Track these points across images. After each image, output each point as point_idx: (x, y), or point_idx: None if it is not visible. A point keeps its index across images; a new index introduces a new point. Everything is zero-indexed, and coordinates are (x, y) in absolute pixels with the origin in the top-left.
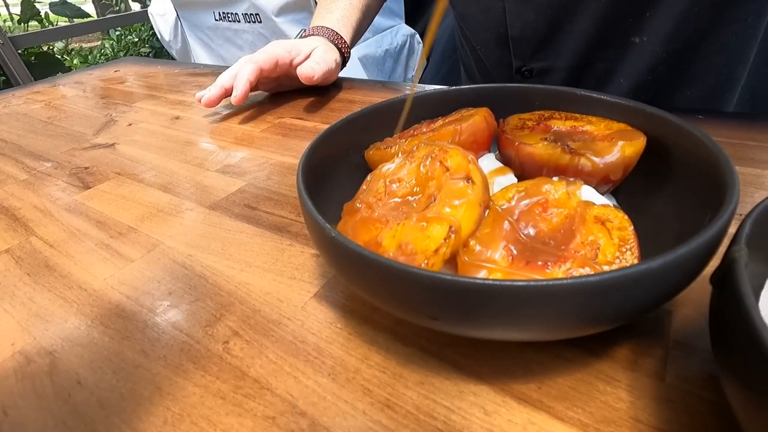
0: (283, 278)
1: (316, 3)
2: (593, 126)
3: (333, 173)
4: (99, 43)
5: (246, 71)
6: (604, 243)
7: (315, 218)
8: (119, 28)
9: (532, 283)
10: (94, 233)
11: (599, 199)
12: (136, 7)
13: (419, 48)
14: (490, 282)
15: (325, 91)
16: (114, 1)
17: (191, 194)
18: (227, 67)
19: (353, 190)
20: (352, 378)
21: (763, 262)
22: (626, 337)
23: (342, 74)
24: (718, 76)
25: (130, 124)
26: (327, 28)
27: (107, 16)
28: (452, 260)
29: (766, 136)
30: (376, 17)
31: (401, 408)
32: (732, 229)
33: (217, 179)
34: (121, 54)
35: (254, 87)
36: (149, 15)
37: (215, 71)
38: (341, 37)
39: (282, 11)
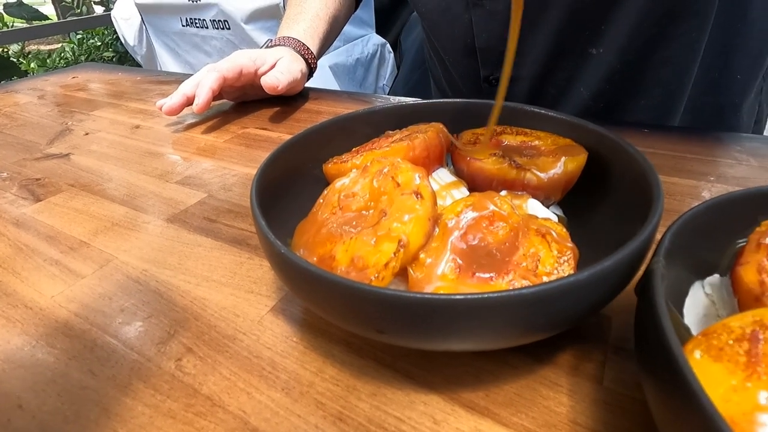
0: (241, 292)
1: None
2: (541, 141)
3: (293, 186)
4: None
5: (209, 80)
6: (544, 255)
7: (266, 234)
8: (81, 32)
9: (469, 296)
10: (43, 248)
11: (544, 213)
12: (99, 10)
13: (390, 57)
14: (429, 296)
15: (290, 101)
16: (75, 3)
17: (149, 207)
18: (193, 75)
19: (313, 203)
20: (306, 392)
21: (688, 269)
22: (570, 343)
23: (312, 83)
24: (667, 86)
25: (87, 134)
26: (293, 38)
27: (68, 19)
28: (403, 273)
29: (703, 149)
30: (347, 26)
31: (353, 420)
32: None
33: (177, 191)
34: (83, 58)
35: (218, 96)
36: (112, 19)
37: (179, 79)
38: (307, 47)
39: (251, 18)
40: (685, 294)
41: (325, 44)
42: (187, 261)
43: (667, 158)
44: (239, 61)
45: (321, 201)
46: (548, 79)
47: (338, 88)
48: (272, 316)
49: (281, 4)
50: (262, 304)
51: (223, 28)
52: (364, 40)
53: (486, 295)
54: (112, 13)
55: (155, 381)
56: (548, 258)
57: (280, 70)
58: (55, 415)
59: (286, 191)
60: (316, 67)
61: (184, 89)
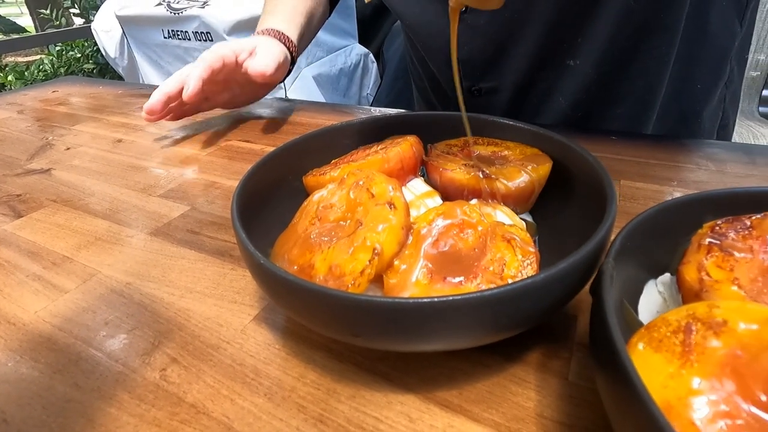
0: (224, 302)
1: None
2: (510, 151)
3: (274, 198)
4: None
5: (197, 70)
6: (510, 259)
7: (246, 245)
8: (60, 44)
9: (435, 299)
10: (25, 264)
11: (512, 219)
12: (78, 21)
13: (373, 67)
14: (398, 300)
15: (273, 112)
16: (54, 15)
17: (132, 220)
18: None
19: (293, 214)
20: (288, 396)
21: (642, 269)
22: (538, 342)
23: (296, 94)
24: (640, 96)
25: (68, 148)
26: (272, 29)
27: (47, 32)
28: (380, 279)
29: (666, 155)
30: (330, 37)
31: (333, 422)
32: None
33: (160, 204)
34: (62, 70)
35: (207, 104)
36: (93, 31)
37: None
38: (287, 36)
39: (234, 30)
40: (641, 292)
41: (304, 37)
42: (171, 273)
43: (633, 164)
44: (219, 51)
45: (300, 212)
46: (529, 90)
47: (322, 98)
48: (255, 325)
49: None
50: (245, 314)
51: (205, 40)
52: (347, 51)
53: (451, 298)
54: (93, 25)
55: (140, 391)
56: (513, 262)
57: (263, 55)
58: (40, 428)
59: (268, 203)
60: (296, 57)
61: (166, 88)
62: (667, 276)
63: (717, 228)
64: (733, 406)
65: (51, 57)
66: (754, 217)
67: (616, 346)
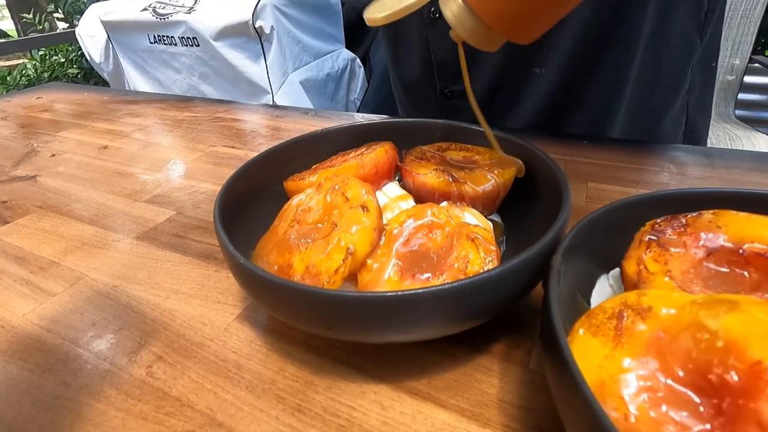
0: (208, 303)
1: (255, 28)
2: (480, 156)
3: (256, 202)
4: (20, 62)
5: None
6: (473, 256)
7: (226, 246)
8: (43, 48)
9: (399, 293)
10: (12, 269)
11: (478, 220)
12: (62, 26)
13: (360, 71)
14: (366, 294)
15: (257, 119)
16: (37, 20)
17: (118, 225)
18: (162, 93)
19: (275, 217)
20: (268, 389)
21: (595, 264)
22: (503, 334)
23: (284, 99)
24: (601, 103)
25: (53, 155)
26: None
27: (30, 36)
28: (354, 277)
29: (633, 159)
30: (317, 42)
31: (310, 411)
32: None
33: (146, 210)
34: (46, 75)
35: None
36: (77, 36)
37: (148, 99)
38: None
39: (220, 35)
40: (594, 285)
41: None
42: (157, 276)
43: (601, 167)
44: None
45: (280, 216)
46: (498, 94)
47: (309, 103)
48: (238, 323)
49: (250, 21)
50: (228, 313)
51: (192, 45)
52: (334, 56)
53: (413, 291)
54: (77, 30)
55: (127, 387)
56: (476, 259)
57: None
58: (31, 423)
59: (251, 207)
60: None
61: None
62: (617, 270)
63: (657, 226)
64: (655, 381)
65: (34, 62)
66: (689, 216)
67: (555, 331)
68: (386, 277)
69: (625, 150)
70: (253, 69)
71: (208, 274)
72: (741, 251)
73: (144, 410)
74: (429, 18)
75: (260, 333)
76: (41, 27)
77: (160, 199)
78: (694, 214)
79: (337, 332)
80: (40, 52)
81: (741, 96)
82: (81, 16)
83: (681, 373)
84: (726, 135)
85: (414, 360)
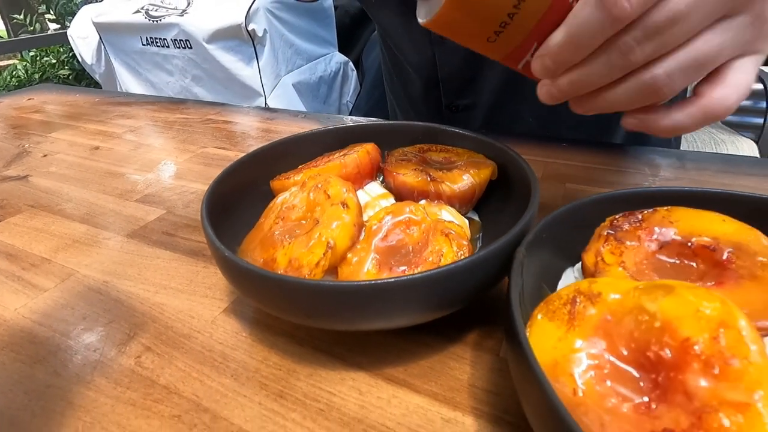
0: (196, 297)
1: (248, 31)
2: (459, 157)
3: (244, 200)
4: (10, 63)
5: None
6: (447, 250)
7: (212, 239)
8: (34, 49)
9: (371, 282)
10: (4, 266)
11: (455, 217)
12: (53, 27)
13: (352, 74)
14: (340, 283)
15: (249, 121)
16: (28, 21)
17: (109, 224)
18: (153, 95)
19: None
20: (252, 377)
21: (561, 258)
22: (476, 324)
23: (276, 102)
24: (600, 117)
25: (45, 155)
26: None
27: (21, 37)
28: (335, 271)
29: (610, 161)
30: (310, 45)
31: (292, 396)
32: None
33: (137, 209)
34: (36, 76)
35: None
36: (69, 37)
37: (139, 100)
38: None
39: (213, 38)
40: (560, 277)
41: None
42: (146, 272)
43: (580, 169)
44: None
45: (266, 213)
46: (501, 108)
47: (302, 106)
48: (225, 316)
49: (243, 24)
50: (215, 306)
51: (184, 48)
52: (327, 59)
53: (384, 281)
54: (69, 31)
55: (116, 376)
56: (450, 253)
57: None
58: (23, 411)
59: (239, 206)
60: None
61: None
62: (581, 264)
63: (615, 221)
64: (602, 359)
65: (25, 63)
66: (645, 212)
67: (513, 316)
68: (365, 270)
69: (603, 152)
70: (246, 72)
71: (197, 270)
72: (689, 244)
73: (132, 397)
74: (437, 37)
75: (246, 325)
76: (32, 28)
77: (151, 199)
78: (650, 211)
79: (317, 320)
80: (31, 54)
81: None
82: (73, 17)
83: (625, 352)
84: (711, 139)
85: (391, 349)
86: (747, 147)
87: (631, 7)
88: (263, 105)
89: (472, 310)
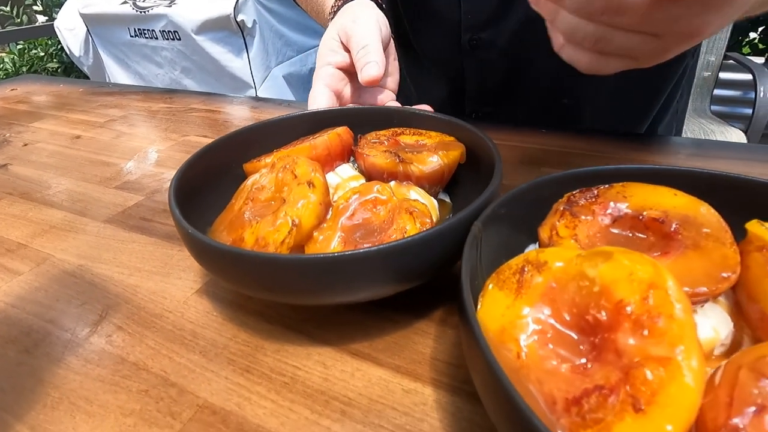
0: (170, 279)
1: (237, 22)
2: (430, 139)
3: (219, 185)
4: None
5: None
6: (410, 228)
7: (178, 218)
8: (22, 42)
9: (327, 255)
10: None
11: (423, 197)
12: (42, 19)
13: None
14: (297, 257)
15: (234, 110)
16: (15, 13)
17: (87, 210)
18: (139, 86)
19: None
20: (220, 353)
21: (523, 235)
22: (443, 300)
23: (266, 93)
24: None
25: (25, 144)
26: None
27: (8, 29)
28: (302, 249)
29: (586, 146)
30: (300, 36)
31: (258, 371)
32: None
33: (116, 195)
34: (24, 69)
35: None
36: (56, 29)
37: (123, 90)
38: None
39: (202, 29)
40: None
41: None
42: (122, 255)
43: (556, 154)
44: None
45: (237, 195)
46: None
47: (293, 97)
48: (197, 297)
49: (232, 15)
50: (188, 288)
51: (173, 39)
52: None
53: (338, 254)
54: (56, 23)
55: (87, 354)
56: (413, 230)
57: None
58: None
59: (213, 189)
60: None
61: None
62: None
63: (572, 197)
64: (546, 324)
65: (12, 55)
66: (601, 188)
67: (462, 287)
68: (331, 248)
69: (580, 138)
70: (236, 63)
71: (172, 253)
72: (641, 217)
73: (102, 374)
74: (466, 47)
75: (217, 305)
76: (19, 20)
77: (130, 186)
78: (605, 186)
79: (277, 294)
80: (19, 46)
81: (716, 92)
82: (60, 9)
83: (567, 317)
84: (701, 129)
85: (359, 326)
86: (736, 137)
87: None
88: (253, 96)
89: (440, 287)
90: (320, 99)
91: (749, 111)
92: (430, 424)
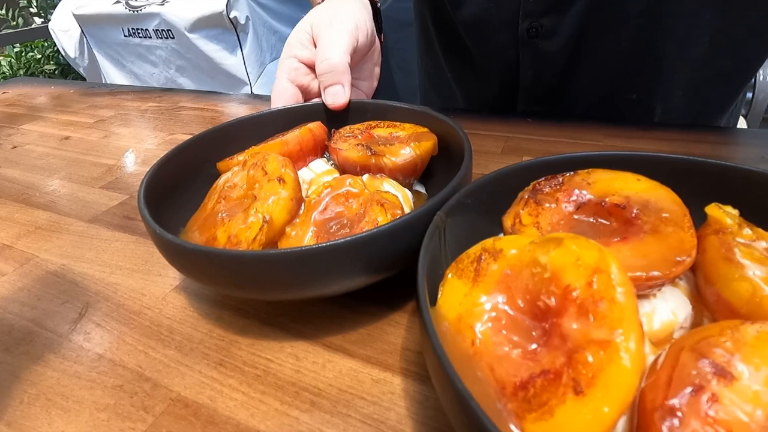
0: (150, 276)
1: (230, 19)
2: (404, 131)
3: (192, 185)
4: None
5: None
6: (381, 219)
7: (147, 219)
8: (18, 44)
9: (293, 249)
10: None
11: (396, 189)
12: (38, 21)
13: None
14: (265, 252)
15: (220, 106)
16: (11, 15)
17: (72, 210)
18: (128, 85)
19: None
20: (195, 348)
21: (492, 224)
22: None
23: (262, 89)
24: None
25: (14, 147)
26: None
27: (2, 32)
28: (275, 245)
29: (571, 134)
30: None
31: (231, 364)
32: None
33: (100, 195)
34: (21, 72)
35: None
36: (51, 31)
37: (113, 90)
38: None
39: (195, 27)
40: None
41: None
42: (104, 254)
43: (540, 143)
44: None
45: (210, 194)
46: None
47: None
48: (175, 293)
49: (224, 12)
50: (167, 285)
51: (167, 38)
52: None
53: (307, 247)
54: (50, 25)
55: (65, 352)
56: (384, 222)
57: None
58: None
59: (187, 189)
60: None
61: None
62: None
63: (537, 185)
64: (500, 311)
65: (9, 58)
66: (566, 175)
67: (417, 277)
68: (304, 243)
69: (564, 127)
70: (230, 60)
71: (153, 251)
72: (603, 204)
73: (78, 370)
74: (524, 36)
75: (194, 301)
76: (15, 23)
77: (115, 185)
78: (570, 174)
79: (246, 290)
80: (16, 49)
81: None
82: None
83: (521, 303)
84: None
85: (334, 318)
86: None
87: None
88: (249, 93)
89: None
90: (284, 96)
91: (749, 95)
92: (397, 412)
